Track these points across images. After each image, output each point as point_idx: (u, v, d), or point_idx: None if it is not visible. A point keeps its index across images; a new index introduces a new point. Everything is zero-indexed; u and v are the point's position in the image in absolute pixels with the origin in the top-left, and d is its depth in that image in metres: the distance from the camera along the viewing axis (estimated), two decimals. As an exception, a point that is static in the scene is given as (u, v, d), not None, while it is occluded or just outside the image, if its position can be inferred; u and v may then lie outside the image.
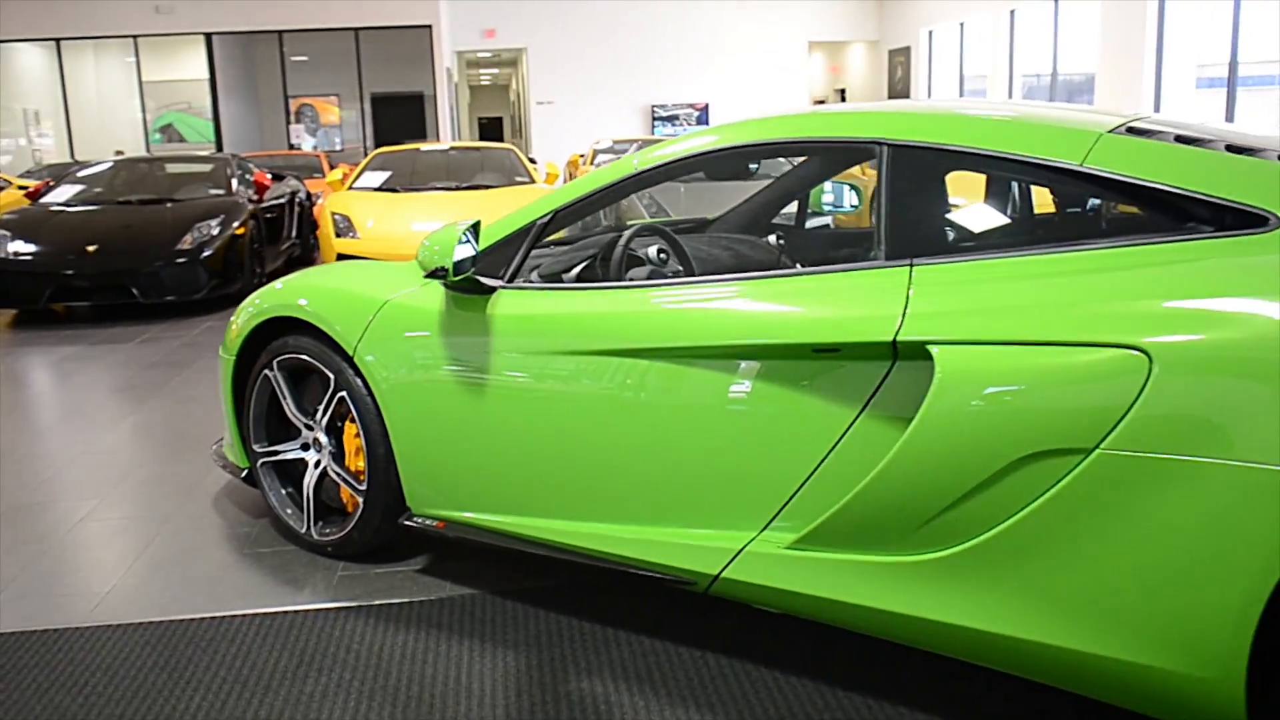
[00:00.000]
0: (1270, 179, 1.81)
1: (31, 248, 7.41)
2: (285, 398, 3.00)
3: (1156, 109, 13.47)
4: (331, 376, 2.81)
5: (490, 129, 36.61)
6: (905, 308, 1.91)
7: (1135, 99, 13.64)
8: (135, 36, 16.21)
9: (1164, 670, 1.66)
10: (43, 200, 8.26)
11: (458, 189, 8.69)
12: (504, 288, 2.55)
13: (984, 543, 1.81)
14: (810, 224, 3.64)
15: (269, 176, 9.13)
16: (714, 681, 2.25)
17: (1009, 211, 2.49)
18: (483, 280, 2.55)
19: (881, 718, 2.08)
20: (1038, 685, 2.13)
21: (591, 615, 2.58)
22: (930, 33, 20.76)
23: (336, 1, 16.39)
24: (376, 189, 8.62)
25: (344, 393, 2.79)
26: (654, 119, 23.41)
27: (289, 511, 3.07)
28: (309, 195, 10.62)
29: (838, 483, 2.00)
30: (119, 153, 16.06)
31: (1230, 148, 1.92)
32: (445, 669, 2.35)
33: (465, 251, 2.44)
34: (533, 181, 9.00)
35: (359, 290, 2.80)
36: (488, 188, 8.70)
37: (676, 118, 23.61)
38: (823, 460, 2.04)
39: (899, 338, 1.88)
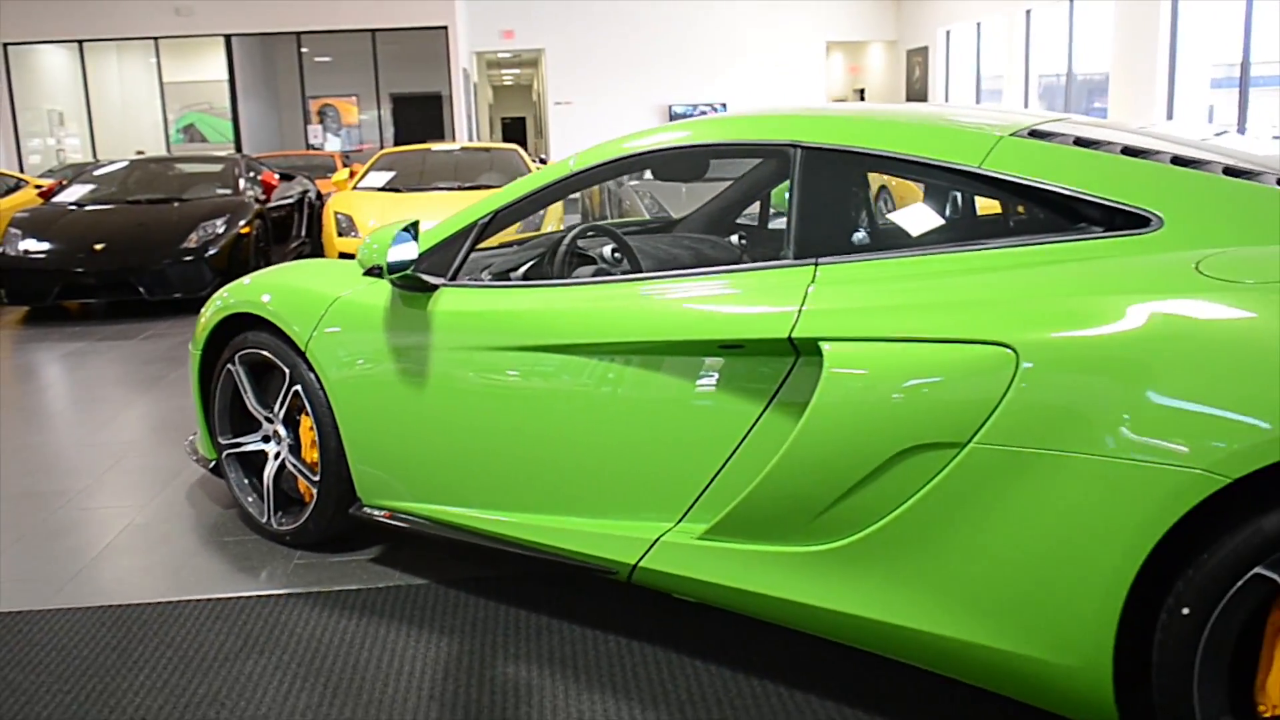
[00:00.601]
0: (1155, 181, 1.86)
1: (41, 246, 7.59)
2: (246, 391, 3.10)
3: (1169, 108, 13.38)
4: (287, 371, 2.91)
5: (513, 129, 36.82)
6: (802, 306, 1.98)
7: (1148, 99, 13.55)
8: (156, 38, 16.48)
9: (1035, 659, 1.72)
10: (55, 199, 8.46)
11: (459, 189, 8.81)
12: (446, 285, 2.64)
13: (872, 534, 1.87)
14: (775, 224, 3.70)
15: (276, 177, 9.28)
16: (634, 668, 2.32)
17: (914, 212, 2.55)
18: (425, 278, 2.64)
19: (791, 704, 2.14)
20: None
21: (528, 604, 2.66)
22: (948, 33, 20.68)
23: (353, 3, 16.57)
24: (380, 189, 8.75)
25: (298, 387, 2.89)
26: (671, 119, 23.46)
27: (251, 501, 3.17)
28: (319, 195, 10.78)
29: (746, 476, 2.07)
30: (139, 153, 16.34)
31: (1126, 150, 1.97)
32: (380, 653, 2.44)
33: (401, 250, 2.52)
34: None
35: (313, 287, 2.90)
36: (489, 188, 8.80)
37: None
38: (732, 454, 2.11)
39: (793, 335, 1.95)
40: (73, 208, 8.16)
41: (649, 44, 23.12)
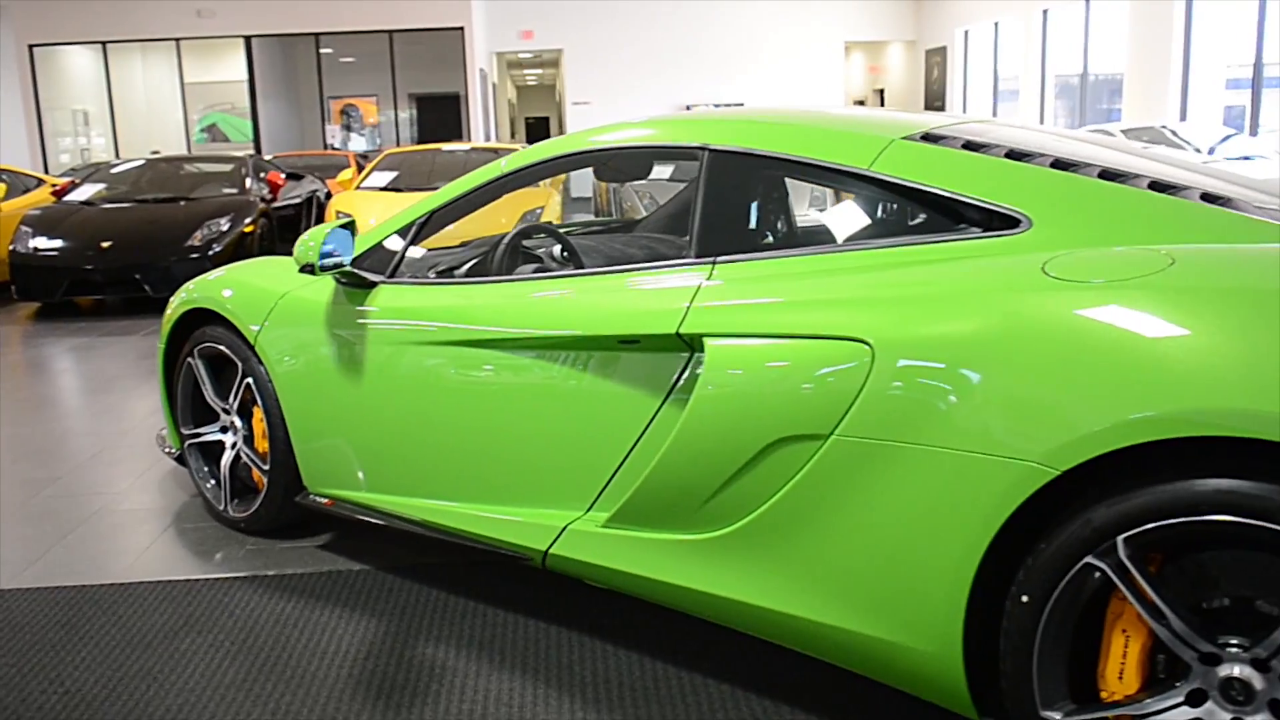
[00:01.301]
0: (1024, 183, 1.92)
1: (51, 243, 7.80)
2: (205, 384, 3.22)
3: (1183, 109, 13.28)
4: (239, 364, 3.03)
5: (537, 129, 37.03)
6: (690, 303, 2.06)
7: (1162, 99, 13.46)
8: (178, 40, 16.78)
9: (895, 643, 1.79)
10: (66, 198, 8.68)
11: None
12: (384, 282, 2.74)
13: (750, 522, 1.95)
14: None
15: (283, 176, 9.46)
16: (546, 651, 2.41)
17: (810, 213, 2.62)
18: (365, 275, 2.75)
19: (689, 687, 2.23)
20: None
21: (458, 589, 2.76)
22: (966, 33, 20.60)
23: (371, 5, 16.78)
24: (382, 189, 8.90)
25: (250, 379, 3.01)
26: (689, 119, 23.47)
27: (209, 489, 3.30)
28: (330, 194, 10.96)
29: (645, 467, 2.15)
30: (155, 153, 16.66)
31: (1010, 154, 2.03)
32: (310, 634, 2.54)
33: (333, 248, 2.63)
34: (536, 185, 9.20)
35: (263, 283, 3.02)
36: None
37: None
38: (634, 445, 2.20)
39: (681, 331, 2.03)
40: (83, 206, 8.37)
41: (667, 44, 23.19)
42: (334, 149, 18.05)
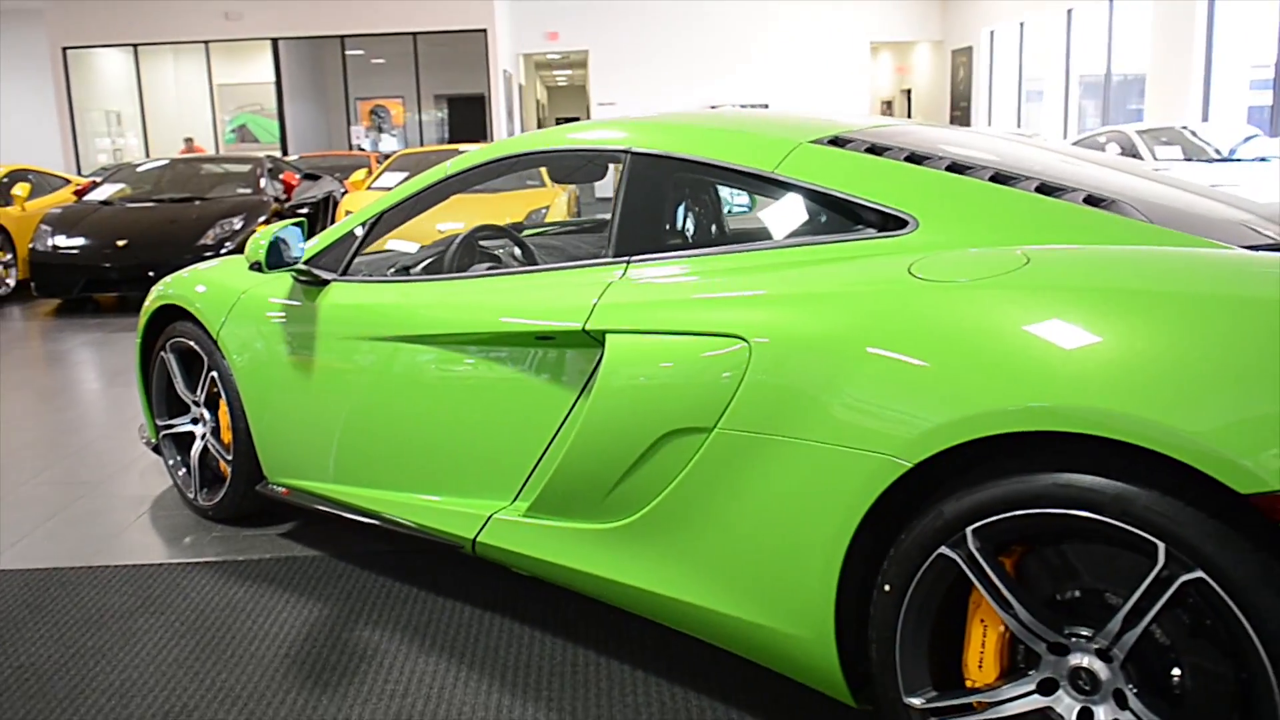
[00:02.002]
0: (916, 185, 1.98)
1: (69, 242, 8.04)
2: (176, 377, 3.35)
3: (1205, 109, 13.12)
4: (205, 358, 3.15)
5: (567, 129, 37.11)
6: (598, 301, 2.14)
7: (1184, 99, 13.31)
8: (206, 42, 17.12)
9: (776, 630, 1.86)
10: (86, 198, 8.92)
11: (470, 191, 9.06)
12: (336, 280, 2.85)
13: (648, 512, 2.03)
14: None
15: (298, 177, 9.64)
16: (474, 635, 2.51)
17: (719, 214, 2.69)
18: (319, 273, 2.85)
19: (604, 672, 2.31)
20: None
21: (401, 576, 2.86)
22: (992, 32, 20.45)
23: (395, 7, 17.00)
24: (391, 189, 9.05)
25: (214, 373, 3.13)
26: (713, 120, 23.50)
27: (181, 477, 3.42)
28: (346, 194, 11.14)
29: (559, 458, 2.23)
30: (188, 139, 17.04)
31: (910, 157, 2.09)
32: (256, 617, 2.65)
33: (282, 246, 2.74)
34: (543, 185, 9.32)
35: (227, 281, 3.14)
36: (496, 190, 9.05)
37: (738, 118, 23.64)
38: (553, 438, 2.28)
39: (587, 327, 2.12)
40: (101, 206, 8.60)
41: (692, 44, 23.22)
42: (360, 150, 18.32)
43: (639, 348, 2.00)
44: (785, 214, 2.15)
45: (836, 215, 2.10)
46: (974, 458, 1.60)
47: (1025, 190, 1.94)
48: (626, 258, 2.24)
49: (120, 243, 7.95)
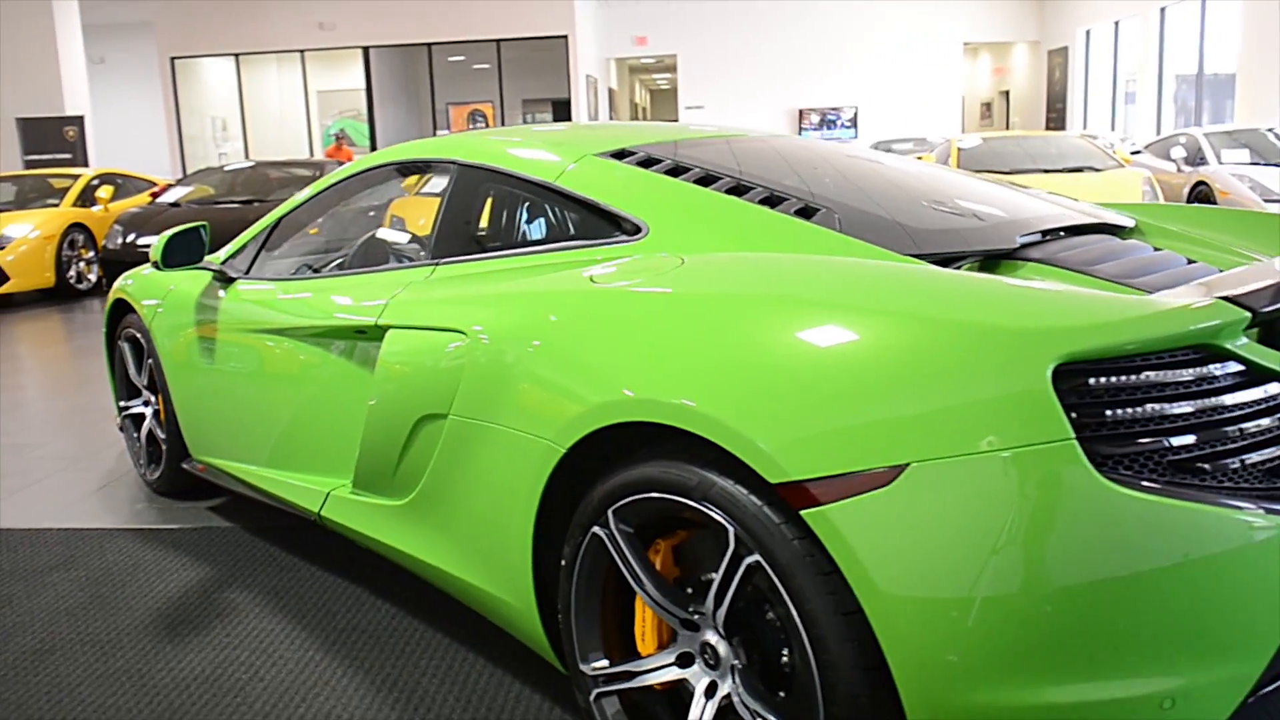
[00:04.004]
0: (651, 194, 2.15)
1: (140, 240, 8.71)
2: (129, 363, 3.73)
3: (1294, 111, 12.49)
4: (145, 346, 3.52)
5: (665, 132, 37.37)
6: (392, 298, 2.37)
7: (1273, 100, 12.69)
8: (302, 50, 18.08)
9: (500, 599, 2.05)
10: (160, 199, 9.64)
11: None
12: (241, 278, 3.16)
13: (421, 489, 2.24)
14: None
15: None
16: (329, 602, 2.77)
17: (512, 221, 2.89)
18: (229, 272, 3.18)
19: (413, 636, 2.54)
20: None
21: (288, 547, 3.15)
22: (1088, 32, 19.81)
23: (480, 16, 17.60)
24: (436, 194, 9.48)
25: (151, 360, 3.49)
26: (800, 123, 23.45)
27: (134, 453, 3.81)
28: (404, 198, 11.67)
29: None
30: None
31: (672, 170, 2.25)
32: (152, 578, 2.98)
33: (175, 247, 3.06)
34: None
35: (160, 278, 3.49)
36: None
37: (830, 121, 23.49)
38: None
39: (379, 321, 2.35)
40: (170, 207, 9.29)
41: (780, 47, 23.18)
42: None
43: (403, 340, 2.23)
44: (556, 221, 2.33)
45: (596, 223, 2.27)
46: (628, 446, 1.77)
47: (749, 201, 2.08)
48: (436, 260, 2.47)
49: (182, 241, 8.58)
